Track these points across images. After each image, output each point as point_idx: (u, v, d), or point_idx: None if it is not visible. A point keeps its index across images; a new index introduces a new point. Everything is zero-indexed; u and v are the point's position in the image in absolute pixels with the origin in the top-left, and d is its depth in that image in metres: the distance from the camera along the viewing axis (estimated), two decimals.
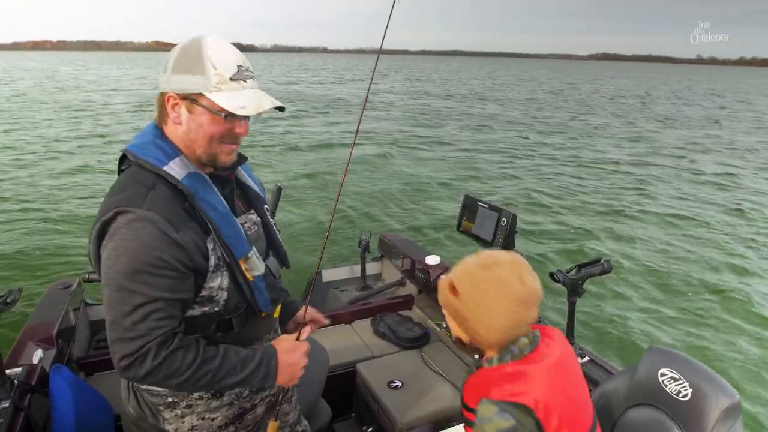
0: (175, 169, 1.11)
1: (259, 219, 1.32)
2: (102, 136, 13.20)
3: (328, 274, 3.29)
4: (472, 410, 1.11)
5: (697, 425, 1.26)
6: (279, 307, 1.41)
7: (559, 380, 1.12)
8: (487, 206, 2.25)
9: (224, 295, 1.17)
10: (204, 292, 1.14)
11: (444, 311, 1.19)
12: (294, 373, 1.23)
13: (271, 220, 1.37)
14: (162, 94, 1.13)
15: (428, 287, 2.79)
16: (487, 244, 2.23)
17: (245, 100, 1.09)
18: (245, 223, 1.27)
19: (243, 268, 1.17)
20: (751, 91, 47.61)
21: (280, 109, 1.18)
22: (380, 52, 1.45)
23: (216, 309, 1.17)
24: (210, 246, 1.13)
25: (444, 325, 2.72)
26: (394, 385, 2.28)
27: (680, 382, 1.32)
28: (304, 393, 1.73)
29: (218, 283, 1.15)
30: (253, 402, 1.36)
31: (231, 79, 1.09)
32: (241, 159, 1.27)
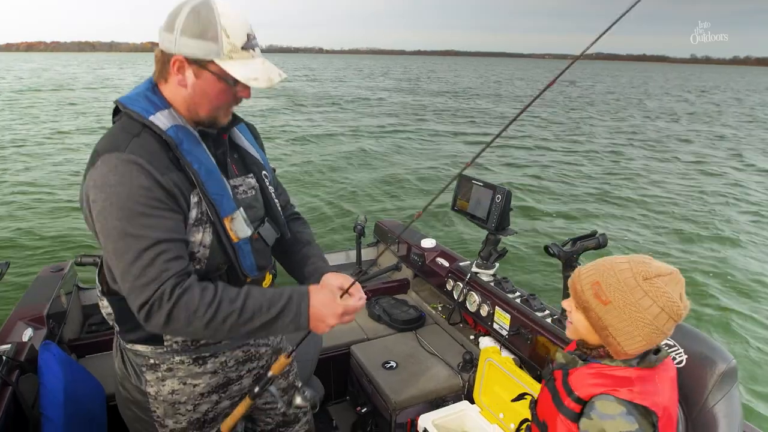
0: (161, 119, 1.09)
1: (256, 184, 1.30)
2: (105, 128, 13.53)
3: None
4: (579, 401, 1.08)
5: (694, 392, 1.24)
6: (270, 277, 1.39)
7: (676, 399, 1.12)
8: (481, 184, 2.24)
9: (206, 252, 1.14)
10: (187, 248, 1.11)
11: (570, 307, 1.15)
12: (319, 326, 1.12)
13: (271, 188, 1.34)
14: (164, 52, 1.10)
15: (424, 271, 2.77)
16: (483, 222, 2.21)
17: (257, 72, 1.09)
18: (240, 185, 1.25)
19: (227, 228, 1.14)
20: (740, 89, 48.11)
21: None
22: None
23: (197, 267, 1.14)
24: (194, 199, 1.11)
25: (439, 308, 2.70)
26: (389, 365, 2.26)
27: (675, 348, 1.30)
28: (298, 370, 1.71)
29: (200, 238, 1.13)
30: (239, 372, 1.34)
31: (242, 48, 1.08)
32: (235, 120, 1.25)
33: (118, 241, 1.03)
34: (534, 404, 1.28)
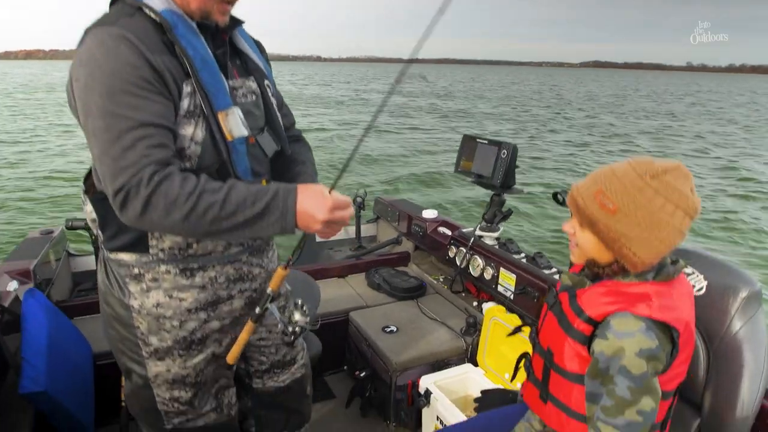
0: (156, 2, 1.02)
1: (257, 90, 1.22)
2: None
3: None
4: (591, 321, 1.00)
5: (715, 319, 1.17)
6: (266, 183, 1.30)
7: (693, 313, 1.04)
8: (486, 142, 2.17)
9: (198, 150, 1.06)
10: (176, 142, 1.04)
11: (573, 229, 1.06)
12: (311, 224, 1.01)
13: (274, 100, 1.27)
14: None
15: (425, 242, 2.70)
16: (487, 180, 2.15)
17: None
18: (240, 88, 1.17)
19: (221, 123, 1.07)
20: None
21: None
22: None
23: (188, 165, 1.06)
24: (186, 89, 1.03)
25: (441, 279, 2.63)
26: (389, 329, 2.18)
27: (694, 276, 1.23)
28: None
29: (191, 132, 1.05)
30: (230, 291, 1.25)
31: None
32: (236, 22, 1.18)
33: (98, 119, 0.95)
34: (536, 333, 1.20)
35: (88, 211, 1.16)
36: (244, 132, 1.11)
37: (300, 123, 1.50)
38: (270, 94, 1.25)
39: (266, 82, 1.25)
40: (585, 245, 1.04)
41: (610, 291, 1.01)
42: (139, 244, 1.13)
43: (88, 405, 1.75)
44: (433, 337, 2.14)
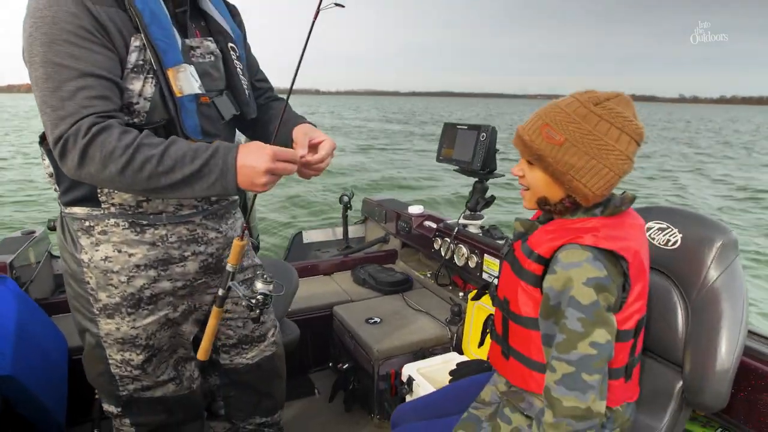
0: None
1: (218, 51, 1.20)
2: None
3: (309, 236, 3.16)
4: (542, 260, 0.97)
5: (691, 271, 1.13)
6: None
7: (646, 246, 1.02)
8: (465, 127, 2.16)
9: (146, 105, 1.04)
10: (124, 97, 1.02)
11: (522, 171, 1.03)
12: (254, 177, 0.98)
13: (239, 63, 1.25)
14: None
15: (411, 237, 2.67)
16: (467, 165, 2.13)
17: None
18: (198, 47, 1.16)
19: (170, 79, 1.05)
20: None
21: None
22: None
23: (136, 121, 1.04)
24: (135, 43, 1.02)
25: (428, 275, 2.58)
26: (373, 321, 2.13)
27: (668, 230, 1.19)
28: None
29: (139, 87, 1.03)
30: (182, 252, 1.21)
31: None
32: None
33: (39, 68, 0.94)
34: (495, 287, 1.16)
35: (45, 165, 1.15)
36: (195, 89, 1.09)
37: None
38: (234, 57, 1.23)
39: (231, 45, 1.23)
40: (535, 184, 1.01)
41: (558, 228, 0.99)
42: (91, 198, 1.12)
43: (61, 399, 1.69)
44: (417, 326, 2.09)
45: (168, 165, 0.95)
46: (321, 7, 1.00)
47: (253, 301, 1.13)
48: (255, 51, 1.41)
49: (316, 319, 2.29)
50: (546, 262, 0.97)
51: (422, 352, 1.98)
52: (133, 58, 1.02)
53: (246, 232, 1.13)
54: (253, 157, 0.97)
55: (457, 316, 2.09)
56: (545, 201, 1.01)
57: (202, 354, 1.19)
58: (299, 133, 1.19)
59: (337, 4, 1.00)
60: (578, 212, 1.00)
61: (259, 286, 1.11)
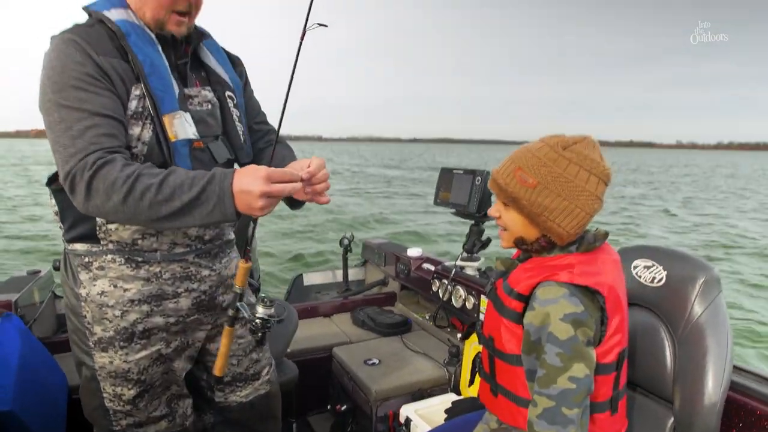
0: (113, 13, 1.12)
1: (215, 100, 1.28)
2: None
3: (310, 278, 3.19)
4: (521, 298, 1.02)
5: (676, 308, 1.17)
6: None
7: (622, 280, 1.06)
8: (462, 172, 2.24)
9: (144, 149, 1.11)
10: (125, 140, 1.09)
11: (498, 212, 1.08)
12: (251, 201, 0.98)
13: (236, 110, 1.32)
14: None
15: (410, 280, 2.70)
16: (464, 209, 2.19)
17: None
18: (196, 96, 1.24)
19: (166, 125, 1.12)
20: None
21: None
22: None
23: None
24: (135, 92, 1.10)
25: (427, 317, 2.60)
26: (371, 362, 2.14)
27: (653, 268, 1.24)
28: (269, 345, 1.61)
29: (138, 132, 1.11)
30: (176, 288, 1.25)
31: None
32: (201, 36, 1.27)
33: (52, 113, 1.02)
34: (480, 325, 1.19)
35: (52, 205, 1.22)
36: (189, 134, 1.17)
37: None
38: (231, 105, 1.31)
39: (228, 93, 1.31)
40: (512, 225, 1.06)
41: (536, 266, 1.03)
42: (91, 235, 1.18)
43: None
44: (415, 368, 2.10)
45: (167, 193, 0.99)
46: (306, 28, 1.05)
47: (253, 324, 1.15)
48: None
49: (316, 360, 2.30)
50: (526, 300, 1.01)
51: (420, 393, 1.98)
52: (133, 105, 1.10)
53: (250, 254, 1.16)
54: (247, 180, 0.98)
55: (455, 357, 2.11)
56: (522, 240, 1.06)
57: (218, 370, 1.20)
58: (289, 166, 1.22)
59: (320, 24, 1.05)
60: (554, 250, 1.04)
61: (260, 310, 1.14)
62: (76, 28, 1.09)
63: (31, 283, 2.28)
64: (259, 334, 1.16)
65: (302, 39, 1.09)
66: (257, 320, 1.12)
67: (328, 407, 2.34)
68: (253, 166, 1.02)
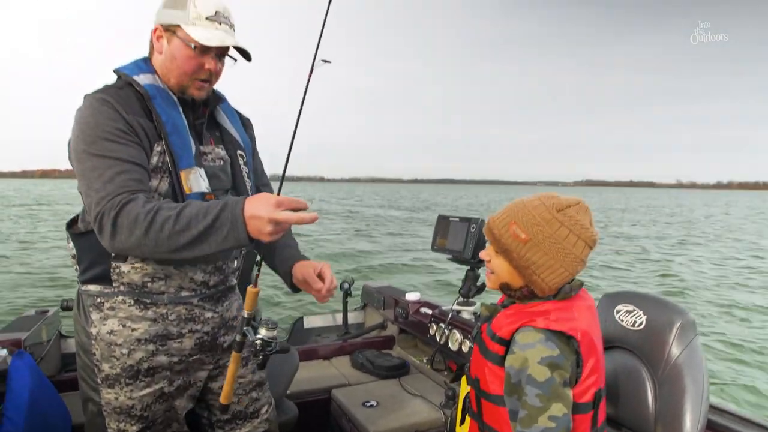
0: (142, 78, 1.26)
1: (227, 157, 1.41)
2: None
3: (310, 321, 3.25)
4: (503, 342, 1.10)
5: (656, 350, 1.25)
6: None
7: (596, 324, 1.14)
8: (458, 219, 2.35)
9: (161, 200, 1.21)
10: None
11: (489, 256, 1.17)
12: (260, 226, 1.05)
13: (245, 168, 1.44)
14: (153, 29, 1.30)
15: (408, 323, 2.77)
16: (459, 255, 2.29)
17: (212, 35, 1.25)
18: (209, 153, 1.36)
19: (183, 179, 1.24)
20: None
21: (246, 56, 1.32)
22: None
23: None
24: (157, 148, 1.23)
25: (424, 360, 2.65)
26: (369, 404, 2.18)
27: (634, 312, 1.33)
28: (270, 385, 1.67)
29: (156, 185, 1.22)
30: (180, 329, 1.34)
31: (207, 18, 1.25)
32: (217, 99, 1.41)
33: (85, 162, 1.15)
34: (468, 368, 1.26)
35: (70, 248, 1.33)
36: (203, 188, 1.28)
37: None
38: (241, 163, 1.44)
39: (239, 152, 1.44)
40: (499, 270, 1.15)
41: (516, 312, 1.12)
42: (105, 277, 1.28)
43: None
44: (412, 410, 2.14)
45: (183, 223, 1.07)
46: (314, 65, 1.19)
47: (254, 347, 1.21)
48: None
49: (315, 401, 2.34)
50: (507, 343, 1.09)
51: None
52: (154, 160, 1.23)
53: (258, 278, 1.24)
54: (257, 205, 1.05)
55: (451, 400, 2.14)
56: (507, 286, 1.15)
57: (224, 398, 1.26)
58: (305, 272, 1.37)
59: (324, 61, 1.17)
60: (534, 298, 1.13)
61: (263, 332, 1.20)
62: (108, 89, 1.23)
63: (40, 323, 2.35)
64: (260, 357, 1.22)
65: (310, 76, 1.21)
66: (257, 341, 1.19)
67: None
68: (264, 193, 1.10)
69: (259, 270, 1.23)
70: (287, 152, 1.25)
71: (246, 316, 1.21)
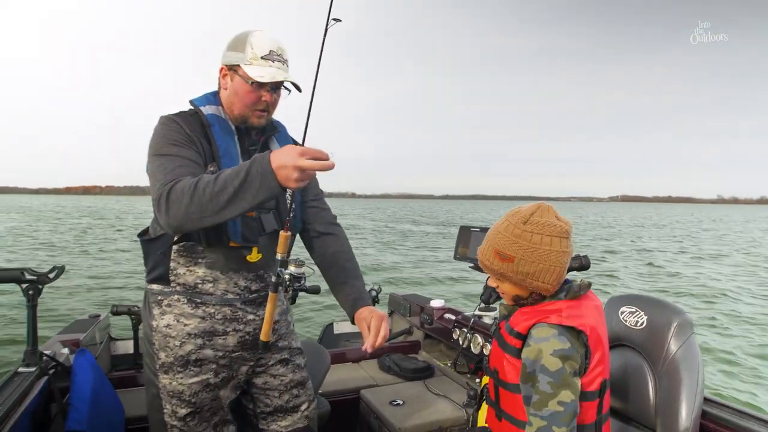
0: (207, 109, 1.49)
1: None
2: None
3: (340, 327, 3.41)
4: (520, 336, 1.23)
5: (656, 347, 1.36)
6: (259, 256, 1.55)
7: (602, 322, 1.28)
8: (479, 230, 2.48)
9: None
10: None
11: (495, 283, 1.30)
12: (287, 173, 1.17)
13: (288, 190, 1.58)
14: (220, 69, 1.53)
15: (433, 329, 2.90)
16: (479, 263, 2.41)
17: (265, 72, 1.45)
18: None
19: None
20: None
21: (297, 88, 1.51)
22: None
23: None
24: (211, 168, 1.42)
25: (449, 364, 2.77)
26: (396, 403, 2.32)
27: (636, 313, 1.44)
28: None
29: None
30: (225, 328, 1.51)
31: (262, 58, 1.46)
32: (272, 129, 1.60)
33: (154, 161, 1.36)
34: (487, 360, 1.39)
35: (141, 253, 1.55)
36: None
37: None
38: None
39: None
40: (507, 290, 1.29)
41: (532, 310, 1.25)
42: (164, 278, 1.49)
43: None
44: (436, 409, 2.26)
45: (221, 184, 1.21)
46: (328, 25, 1.31)
47: (284, 282, 1.37)
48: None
49: (345, 401, 2.49)
50: (523, 338, 1.22)
51: (441, 431, 2.14)
52: None
53: (287, 225, 1.38)
54: (282, 157, 1.17)
55: (473, 400, 2.26)
56: (518, 298, 1.29)
57: (263, 336, 1.41)
58: (359, 324, 1.54)
59: (335, 19, 1.29)
60: (546, 298, 1.26)
61: (291, 268, 1.36)
62: (180, 113, 1.47)
63: (94, 326, 2.58)
64: (290, 292, 1.37)
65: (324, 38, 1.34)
66: (287, 275, 1.35)
67: None
68: (288, 145, 1.25)
69: (289, 216, 1.40)
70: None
71: (279, 258, 1.36)
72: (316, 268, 1.80)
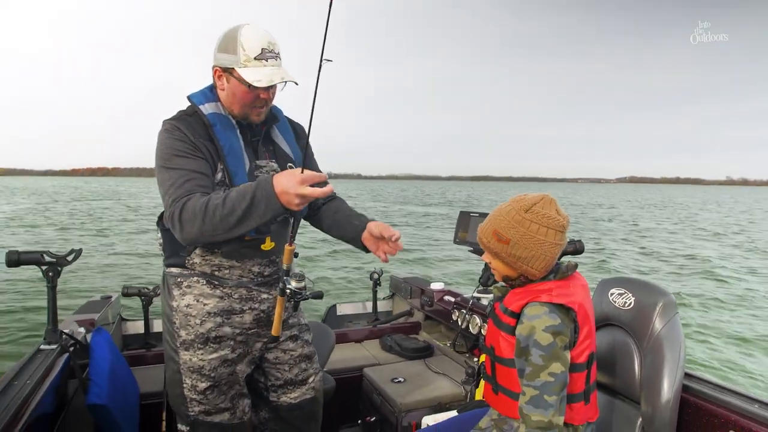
0: (207, 107, 1.52)
1: (279, 170, 1.63)
2: None
3: (343, 308, 3.51)
4: (514, 315, 1.31)
5: (642, 326, 1.45)
6: (272, 244, 1.64)
7: (589, 299, 1.37)
8: (478, 215, 2.56)
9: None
10: None
11: (489, 259, 1.39)
12: (290, 199, 1.29)
13: None
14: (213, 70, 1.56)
15: (433, 310, 3.00)
16: (478, 247, 2.50)
17: (261, 75, 1.45)
18: (263, 167, 1.60)
19: None
20: None
21: (294, 83, 1.55)
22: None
23: None
24: (220, 167, 1.50)
25: (448, 344, 2.88)
26: (397, 380, 2.43)
27: (624, 294, 1.53)
28: None
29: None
30: (242, 306, 1.62)
31: (255, 59, 1.46)
32: (273, 119, 1.65)
33: (161, 173, 1.44)
34: (483, 338, 1.49)
35: (158, 238, 1.63)
36: None
37: None
38: None
39: (290, 164, 1.66)
40: (498, 268, 1.38)
41: (524, 290, 1.34)
42: (182, 263, 1.59)
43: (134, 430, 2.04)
44: (436, 385, 2.37)
45: (229, 207, 1.32)
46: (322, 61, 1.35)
47: (285, 293, 1.45)
48: None
49: (348, 379, 2.60)
50: (517, 316, 1.31)
51: (440, 406, 2.25)
52: (218, 177, 1.51)
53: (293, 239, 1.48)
54: (284, 183, 1.29)
55: (471, 377, 2.37)
56: (507, 278, 1.38)
57: (274, 331, 1.51)
58: (380, 225, 1.61)
59: (326, 60, 1.34)
60: (530, 282, 1.35)
61: (293, 284, 1.45)
62: (181, 116, 1.52)
63: (106, 307, 2.68)
64: (292, 302, 1.48)
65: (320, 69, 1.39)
66: (288, 290, 1.44)
67: (359, 421, 2.62)
68: (288, 171, 1.34)
69: (293, 232, 1.48)
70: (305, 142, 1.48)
71: (284, 268, 1.46)
72: (314, 279, 1.91)
